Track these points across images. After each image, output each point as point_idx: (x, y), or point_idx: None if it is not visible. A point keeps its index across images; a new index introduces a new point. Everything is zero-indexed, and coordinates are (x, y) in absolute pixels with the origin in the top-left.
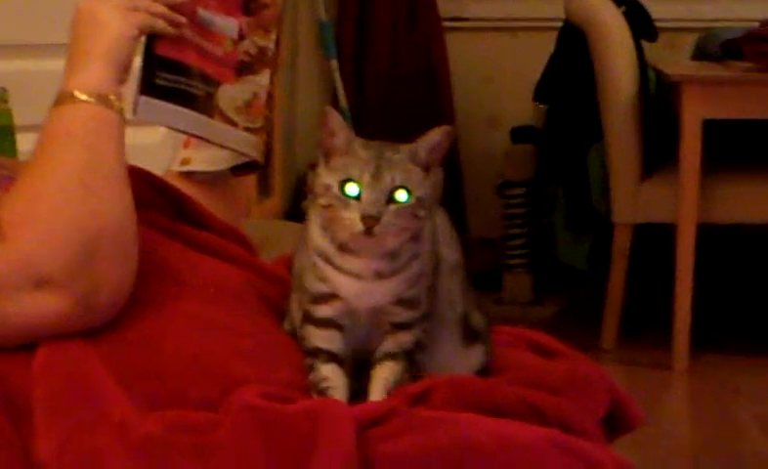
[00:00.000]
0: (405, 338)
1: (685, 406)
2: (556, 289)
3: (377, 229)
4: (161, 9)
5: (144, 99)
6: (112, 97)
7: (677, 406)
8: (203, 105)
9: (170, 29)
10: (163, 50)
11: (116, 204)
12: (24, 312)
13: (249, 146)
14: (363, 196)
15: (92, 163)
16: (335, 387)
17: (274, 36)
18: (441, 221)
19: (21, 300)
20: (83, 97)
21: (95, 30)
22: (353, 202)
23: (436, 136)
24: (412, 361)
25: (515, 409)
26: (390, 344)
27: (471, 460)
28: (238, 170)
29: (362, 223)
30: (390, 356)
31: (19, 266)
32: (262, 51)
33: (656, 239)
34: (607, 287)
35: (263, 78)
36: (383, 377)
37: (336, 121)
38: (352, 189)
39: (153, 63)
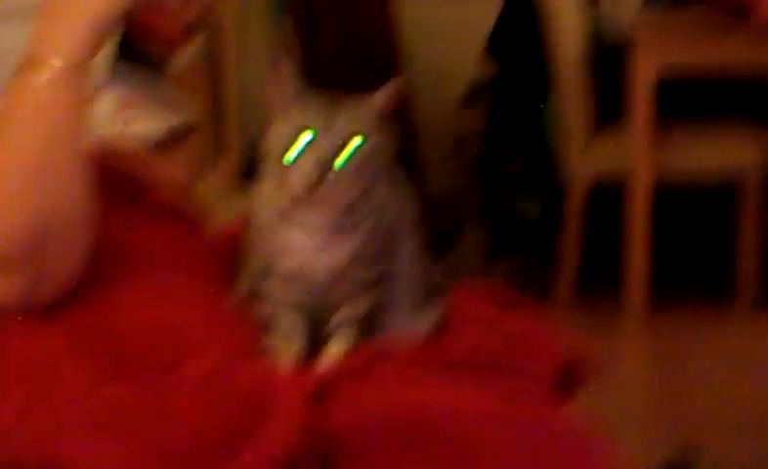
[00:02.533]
0: (363, 298)
1: (641, 359)
2: (512, 246)
3: (331, 175)
4: None
5: (111, 63)
6: (84, 64)
7: (633, 359)
8: (161, 68)
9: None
10: (135, 15)
11: (74, 188)
12: None
13: (189, 108)
14: (317, 143)
15: (55, 143)
16: (297, 334)
17: None
18: (396, 178)
19: None
20: (56, 62)
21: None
22: (307, 150)
23: (387, 89)
24: (371, 322)
25: (471, 366)
26: (348, 308)
27: (424, 424)
28: (179, 133)
29: (316, 169)
30: (348, 321)
31: None
32: (203, 12)
33: (613, 200)
34: (563, 241)
35: (199, 40)
36: (341, 341)
37: (288, 71)
38: (306, 136)
39: (123, 28)
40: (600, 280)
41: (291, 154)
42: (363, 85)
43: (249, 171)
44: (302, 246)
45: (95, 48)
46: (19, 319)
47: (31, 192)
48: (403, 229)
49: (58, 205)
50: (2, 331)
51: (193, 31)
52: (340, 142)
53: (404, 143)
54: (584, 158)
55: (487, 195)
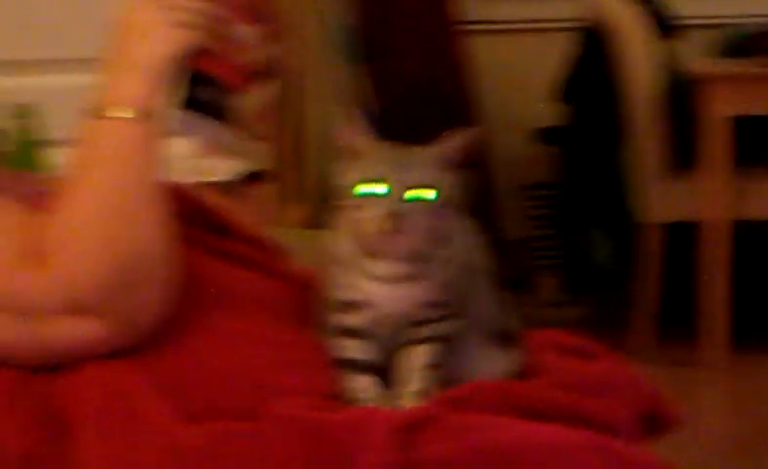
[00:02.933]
0: (436, 347)
1: (723, 405)
2: (587, 290)
3: (402, 227)
4: (202, 22)
5: (180, 113)
6: (154, 112)
7: (715, 405)
8: (226, 115)
9: (210, 44)
10: (195, 61)
11: (154, 227)
12: (63, 336)
13: (260, 154)
14: (388, 195)
15: (131, 184)
16: (371, 398)
17: (281, 45)
18: (470, 225)
19: (60, 325)
20: (127, 113)
21: (140, 44)
22: (378, 200)
23: (461, 137)
24: (445, 369)
25: (554, 413)
26: (422, 355)
27: (511, 463)
28: (251, 180)
29: (387, 220)
30: (422, 366)
31: (56, 292)
32: (272, 59)
33: (690, 238)
34: (638, 286)
35: (272, 87)
36: (416, 365)
37: (359, 122)
38: (377, 188)
39: (187, 77)
40: (678, 325)
41: (363, 205)
42: (438, 129)
43: (325, 217)
44: (374, 297)
45: (156, 94)
46: (106, 362)
47: (114, 237)
48: (477, 277)
49: (140, 250)
50: (93, 375)
51: (258, 77)
52: (413, 194)
53: (479, 188)
54: (660, 202)
55: (561, 240)
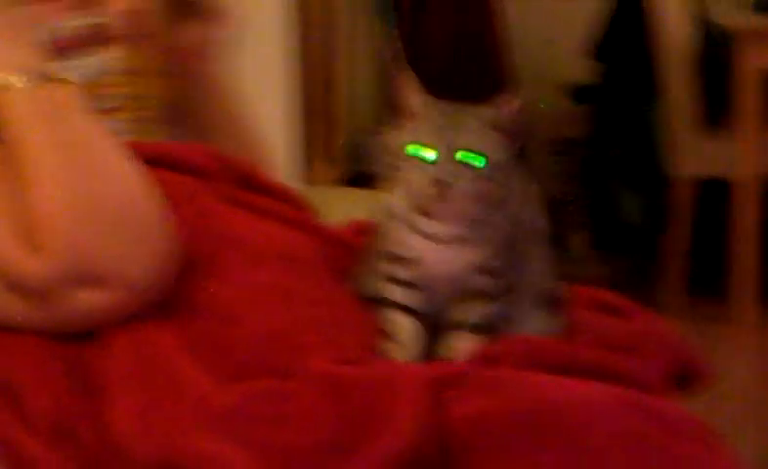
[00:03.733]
0: (486, 310)
1: (754, 361)
2: (618, 248)
3: (451, 194)
4: None
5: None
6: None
7: (746, 362)
8: None
9: None
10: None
11: (124, 178)
12: (71, 310)
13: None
14: (437, 160)
15: (80, 147)
16: (412, 338)
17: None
18: (528, 187)
19: (64, 301)
20: (19, 79)
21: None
22: (427, 166)
23: (514, 101)
24: (492, 333)
25: (589, 369)
26: (470, 313)
27: (548, 420)
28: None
29: (434, 186)
30: (469, 326)
31: (58, 272)
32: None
33: (721, 195)
34: (668, 243)
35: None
36: (460, 346)
37: (411, 83)
38: (426, 152)
39: None
40: (707, 281)
41: (412, 169)
42: (471, 93)
43: (356, 176)
44: (425, 256)
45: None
46: (138, 324)
47: (78, 199)
48: (533, 243)
49: (110, 205)
50: (125, 339)
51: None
52: (462, 160)
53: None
54: (691, 159)
55: (592, 198)
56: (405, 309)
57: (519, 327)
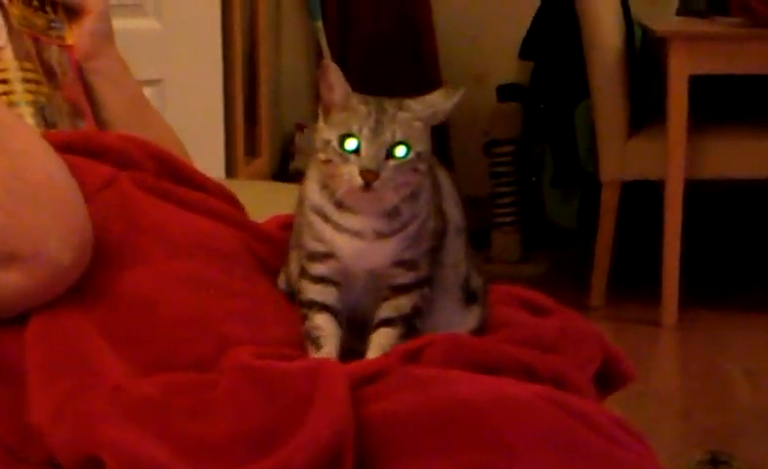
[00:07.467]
0: (404, 302)
1: (674, 362)
2: (544, 247)
3: (376, 184)
4: None
5: None
6: None
7: (667, 362)
8: None
9: None
10: None
11: (40, 156)
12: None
13: None
14: (362, 151)
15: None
16: (327, 335)
17: None
18: (445, 180)
19: None
20: None
21: None
22: (352, 157)
23: (442, 94)
24: (411, 326)
25: (508, 367)
26: (388, 308)
27: (464, 417)
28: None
29: (360, 177)
30: (387, 321)
31: None
32: None
33: (644, 197)
34: (595, 245)
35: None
36: (379, 342)
37: (336, 76)
38: (351, 143)
39: None
40: (635, 281)
41: (336, 161)
42: (398, 90)
43: (280, 172)
44: (344, 249)
45: None
46: (55, 312)
47: None
48: (451, 232)
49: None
50: (42, 327)
51: None
52: (385, 151)
53: (436, 144)
54: (619, 161)
55: (520, 197)
56: (323, 306)
57: (439, 322)
